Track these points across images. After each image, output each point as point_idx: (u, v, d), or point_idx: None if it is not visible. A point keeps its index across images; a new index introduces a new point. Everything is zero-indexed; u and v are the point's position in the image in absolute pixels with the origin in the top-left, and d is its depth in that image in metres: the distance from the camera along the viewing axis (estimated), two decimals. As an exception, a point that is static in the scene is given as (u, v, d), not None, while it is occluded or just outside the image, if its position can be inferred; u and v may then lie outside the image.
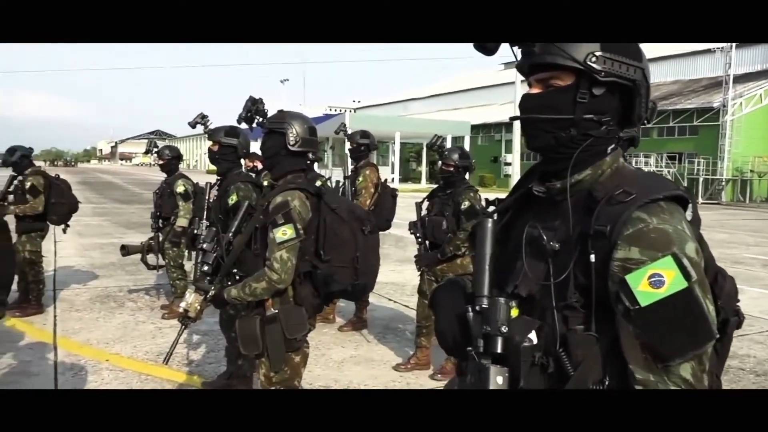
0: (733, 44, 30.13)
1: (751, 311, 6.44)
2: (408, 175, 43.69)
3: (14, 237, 4.39)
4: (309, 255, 2.54)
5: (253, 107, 2.98)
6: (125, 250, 6.14)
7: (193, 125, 4.56)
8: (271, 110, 2.92)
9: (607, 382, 1.14)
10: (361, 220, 2.67)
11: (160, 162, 6.31)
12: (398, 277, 8.18)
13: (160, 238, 6.14)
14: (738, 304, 1.33)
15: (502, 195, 1.49)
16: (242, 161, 4.38)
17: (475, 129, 42.03)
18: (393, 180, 30.19)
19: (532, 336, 1.18)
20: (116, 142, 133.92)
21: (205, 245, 2.82)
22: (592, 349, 1.15)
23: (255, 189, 3.93)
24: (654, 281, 1.07)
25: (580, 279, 1.17)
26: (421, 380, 4.52)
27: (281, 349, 2.55)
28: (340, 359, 4.92)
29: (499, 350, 1.14)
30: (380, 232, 3.28)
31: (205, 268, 2.76)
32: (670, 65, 40.31)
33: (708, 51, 36.45)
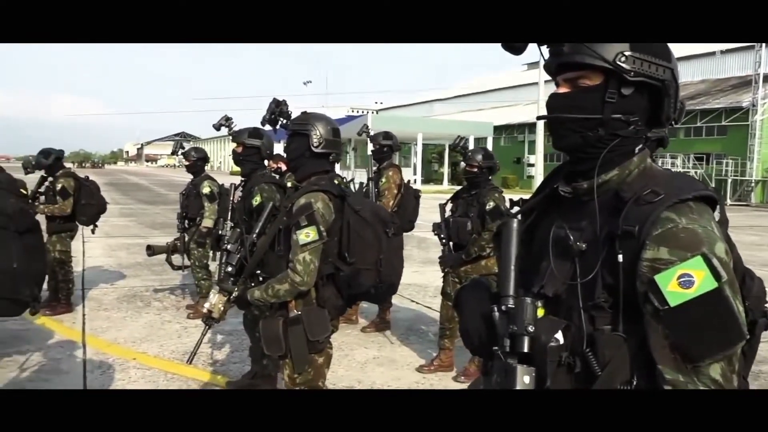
0: (763, 43, 29.50)
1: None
2: (430, 177, 43.60)
3: (45, 237, 4.48)
4: (332, 257, 2.55)
5: (277, 109, 3.01)
6: (151, 250, 6.24)
7: (217, 127, 4.62)
8: (294, 112, 2.94)
9: (635, 383, 1.14)
10: (384, 221, 2.67)
11: (186, 163, 6.41)
12: (421, 279, 8.17)
13: (186, 239, 6.23)
14: (766, 305, 1.31)
15: (526, 196, 1.49)
16: (266, 162, 4.42)
17: (498, 130, 41.81)
18: (415, 181, 30.19)
19: (559, 336, 1.18)
20: (142, 144, 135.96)
21: (229, 246, 2.84)
22: (620, 349, 1.15)
23: (279, 190, 3.96)
24: (683, 281, 1.06)
25: (608, 279, 1.16)
26: (445, 382, 4.50)
27: (304, 351, 2.56)
28: (364, 360, 4.93)
29: (525, 350, 1.15)
30: (403, 234, 3.29)
31: (229, 269, 2.78)
32: (697, 64, 39.65)
33: (737, 50, 35.77)
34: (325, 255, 2.52)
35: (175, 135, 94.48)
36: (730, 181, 31.75)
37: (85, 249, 9.75)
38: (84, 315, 6.05)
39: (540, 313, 1.20)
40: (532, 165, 35.84)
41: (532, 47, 1.31)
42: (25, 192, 5.14)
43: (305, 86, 53.39)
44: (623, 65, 1.18)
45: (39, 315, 5.58)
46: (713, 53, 39.06)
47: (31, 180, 5.69)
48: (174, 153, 6.83)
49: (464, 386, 4.28)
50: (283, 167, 6.02)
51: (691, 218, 1.10)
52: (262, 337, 2.63)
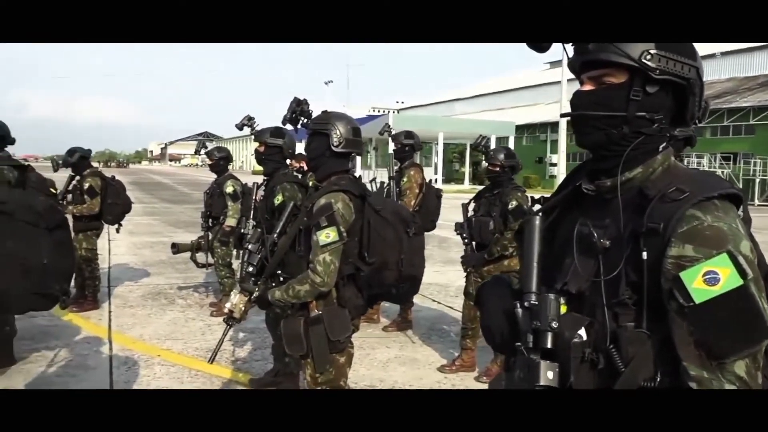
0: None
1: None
2: (451, 176, 43.47)
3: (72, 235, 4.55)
4: (352, 257, 2.54)
5: (298, 108, 3.01)
6: (176, 248, 6.32)
7: (240, 127, 4.66)
8: (315, 111, 2.95)
9: (658, 379, 1.14)
10: (405, 221, 2.66)
11: (210, 162, 6.47)
12: (442, 278, 8.15)
13: (210, 237, 6.29)
14: None
15: (547, 194, 1.49)
16: (288, 162, 4.44)
17: (520, 129, 41.50)
18: (436, 181, 30.09)
19: (582, 332, 1.19)
20: (166, 144, 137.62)
21: (250, 246, 2.84)
22: (643, 345, 1.15)
23: (301, 189, 3.98)
24: (709, 278, 1.07)
25: (632, 276, 1.17)
26: (466, 382, 4.49)
27: (325, 351, 2.56)
28: (385, 359, 4.94)
29: (549, 345, 1.16)
30: (424, 233, 3.28)
31: (250, 269, 2.78)
32: (724, 62, 38.95)
33: (765, 47, 35.06)
34: (345, 255, 2.51)
35: (198, 134, 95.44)
36: (758, 180, 31.13)
37: (110, 247, 9.91)
38: (110, 312, 6.15)
39: (563, 309, 1.21)
40: (555, 164, 35.52)
41: (555, 45, 1.31)
42: (54, 191, 5.26)
43: (326, 86, 53.53)
44: (649, 63, 1.18)
45: (67, 311, 5.70)
46: (741, 51, 38.32)
47: (59, 179, 5.81)
48: (197, 152, 6.91)
49: (486, 386, 4.27)
50: (305, 166, 6.06)
51: (716, 216, 1.10)
52: (283, 337, 2.64)
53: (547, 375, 1.14)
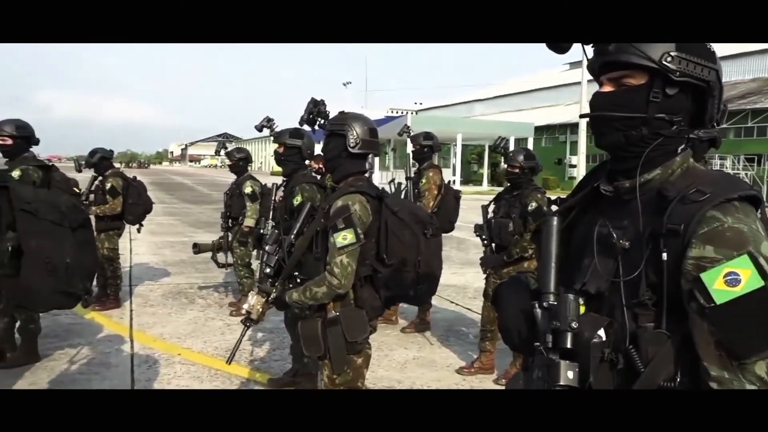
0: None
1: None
2: (469, 177, 43.30)
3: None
4: (370, 259, 2.54)
5: (315, 109, 3.01)
6: (197, 248, 6.38)
7: (259, 128, 4.69)
8: (333, 112, 2.95)
9: (678, 380, 1.15)
10: (422, 222, 2.65)
11: (229, 163, 6.52)
12: (461, 280, 8.13)
13: (229, 238, 6.34)
14: None
15: (563, 195, 1.49)
16: (307, 162, 4.46)
17: (539, 130, 41.22)
18: (454, 182, 29.96)
19: (601, 333, 1.20)
20: (186, 145, 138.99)
21: (267, 247, 2.84)
22: (663, 346, 1.16)
23: (320, 190, 3.99)
24: (729, 279, 1.08)
25: (652, 277, 1.18)
26: (485, 384, 4.47)
27: (343, 352, 2.56)
28: (403, 361, 4.93)
29: (568, 345, 1.17)
30: (442, 234, 3.26)
31: (267, 270, 2.78)
32: (748, 62, 38.31)
33: (791, 46, 34.45)
34: (362, 257, 2.51)
35: (218, 136, 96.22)
36: (782, 182, 30.56)
37: (132, 247, 10.03)
38: (131, 310, 6.22)
39: (581, 310, 1.22)
40: (574, 166, 35.19)
41: (575, 46, 1.31)
42: (77, 190, 5.34)
43: (345, 87, 53.65)
44: (669, 65, 1.19)
45: (89, 310, 5.79)
46: (765, 51, 37.65)
47: (83, 180, 5.90)
48: (217, 153, 6.97)
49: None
50: (324, 167, 6.07)
51: (737, 217, 1.11)
52: (301, 338, 2.64)
53: (568, 375, 1.15)
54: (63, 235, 2.45)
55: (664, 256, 1.14)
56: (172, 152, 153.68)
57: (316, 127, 3.12)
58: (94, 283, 4.86)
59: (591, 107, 1.30)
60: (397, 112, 50.50)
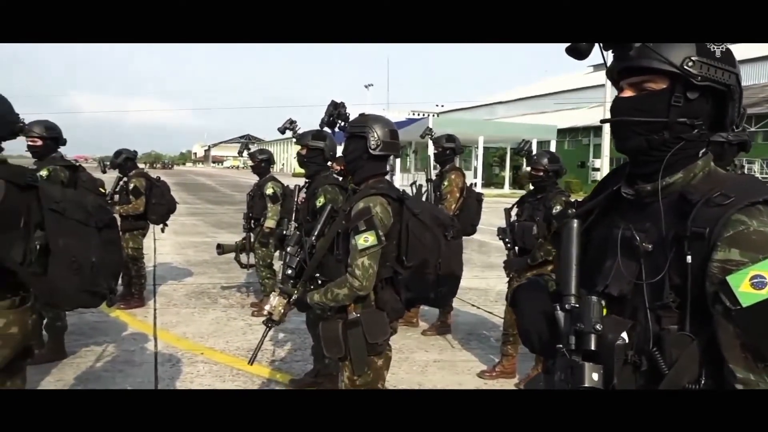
0: None
1: None
2: (491, 180, 43.00)
3: (121, 234, 4.67)
4: (390, 261, 2.54)
5: (335, 111, 3.02)
6: (221, 248, 6.44)
7: (282, 131, 4.72)
8: (354, 115, 2.95)
9: (702, 381, 1.16)
10: (443, 225, 2.63)
11: (252, 164, 6.57)
12: (481, 283, 8.08)
13: (252, 239, 6.39)
14: None
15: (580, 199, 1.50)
16: (330, 164, 4.47)
17: (562, 133, 40.78)
18: (475, 185, 29.79)
19: (623, 335, 1.21)
20: (209, 146, 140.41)
21: (289, 248, 2.84)
22: (687, 348, 1.17)
23: (342, 192, 4.00)
24: (756, 282, 1.08)
25: (675, 280, 1.18)
26: (506, 388, 4.43)
27: (363, 353, 2.56)
28: (424, 363, 4.91)
29: (592, 347, 1.18)
30: (464, 237, 3.24)
31: (289, 271, 2.79)
32: (778, 64, 37.50)
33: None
34: (383, 258, 2.51)
35: (241, 137, 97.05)
36: (813, 187, 29.84)
37: (156, 246, 10.15)
38: (155, 309, 6.30)
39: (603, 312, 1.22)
40: (597, 169, 34.79)
41: (596, 51, 1.32)
42: (103, 191, 5.42)
43: (367, 89, 53.75)
44: (691, 70, 1.20)
45: (114, 308, 5.87)
46: (796, 52, 36.85)
47: (109, 181, 6.00)
48: (240, 154, 7.04)
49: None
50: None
51: (762, 221, 1.12)
52: (322, 339, 2.65)
53: (593, 377, 1.16)
54: (89, 234, 2.47)
55: (689, 258, 1.15)
56: (195, 153, 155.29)
57: (337, 130, 3.13)
58: (119, 282, 4.93)
59: (612, 112, 1.31)
60: (418, 115, 50.42)
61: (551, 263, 4.28)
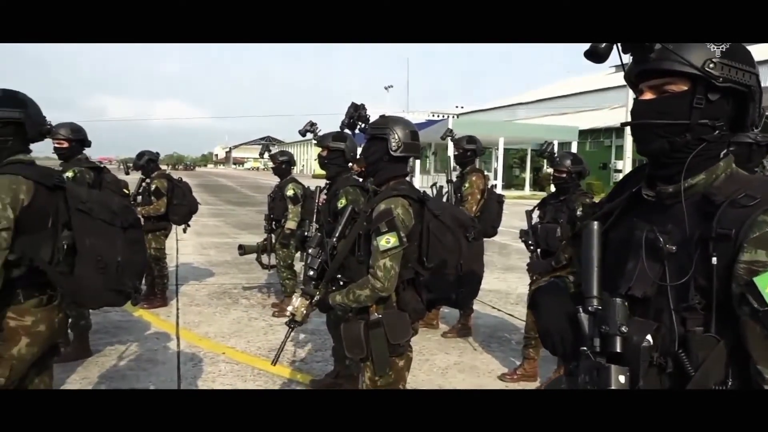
0: None
1: None
2: (511, 182, 42.75)
3: (144, 234, 4.73)
4: (412, 262, 2.54)
5: (356, 113, 3.02)
6: (243, 249, 6.49)
7: (303, 133, 4.74)
8: (374, 116, 2.95)
9: (729, 383, 1.15)
10: (465, 226, 2.63)
11: (273, 166, 6.61)
12: (503, 285, 8.03)
13: (273, 240, 6.42)
14: None
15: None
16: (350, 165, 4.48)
17: (584, 134, 40.38)
18: (495, 186, 29.56)
19: (648, 337, 1.20)
20: (230, 148, 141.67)
21: (310, 250, 2.85)
22: (713, 350, 1.16)
23: (363, 193, 4.00)
24: None
25: (701, 281, 1.18)
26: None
27: (385, 354, 2.56)
28: (445, 366, 4.89)
29: (618, 350, 1.17)
30: (484, 239, 3.22)
31: (311, 272, 2.79)
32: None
33: None
34: (405, 260, 2.51)
35: (261, 139, 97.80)
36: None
37: (178, 247, 10.26)
38: (178, 309, 6.37)
39: None
40: (619, 171, 34.37)
41: (614, 52, 1.32)
42: (126, 192, 5.50)
43: (386, 91, 53.81)
44: (712, 71, 1.20)
45: (138, 307, 5.95)
46: (825, 51, 36.12)
47: (132, 182, 6.08)
48: (261, 156, 7.09)
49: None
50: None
51: None
52: (343, 340, 2.65)
53: (619, 379, 1.15)
54: (115, 234, 2.51)
55: (714, 260, 1.15)
56: (216, 155, 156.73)
57: (357, 131, 3.13)
58: (143, 282, 4.99)
59: (633, 115, 1.32)
60: (438, 116, 50.32)
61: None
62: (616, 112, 39.22)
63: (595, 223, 1.29)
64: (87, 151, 5.04)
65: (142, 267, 2.80)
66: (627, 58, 1.31)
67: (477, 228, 2.71)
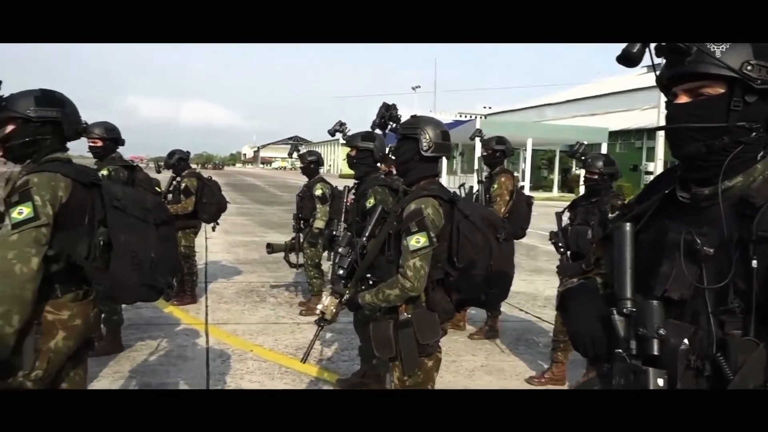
0: None
1: None
2: (539, 183, 42.33)
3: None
4: (441, 262, 2.54)
5: (387, 113, 3.02)
6: (271, 248, 6.54)
7: (332, 133, 4.77)
8: (403, 117, 2.95)
9: None
10: (495, 226, 2.62)
11: (301, 165, 6.66)
12: (529, 287, 7.96)
13: (301, 239, 6.46)
14: None
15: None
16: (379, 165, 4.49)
17: (614, 135, 39.78)
18: (523, 188, 29.25)
19: (685, 339, 1.20)
20: (258, 147, 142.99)
21: (340, 249, 2.86)
22: (753, 353, 1.15)
23: (391, 193, 4.00)
24: None
25: (739, 284, 1.17)
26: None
27: (414, 354, 2.56)
28: (471, 367, 4.87)
29: (655, 352, 1.16)
30: (514, 240, 3.20)
31: (340, 271, 2.80)
32: None
33: None
34: (434, 260, 2.51)
35: (289, 138, 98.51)
36: None
37: (207, 245, 10.38)
38: (207, 306, 6.45)
39: None
40: (650, 173, 33.79)
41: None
42: (158, 190, 5.59)
43: (414, 91, 53.75)
44: (750, 74, 1.20)
45: (168, 304, 6.05)
46: None
47: (163, 180, 6.18)
48: (290, 155, 7.14)
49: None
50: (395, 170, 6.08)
51: None
52: (372, 339, 2.66)
53: (658, 382, 1.14)
54: (148, 231, 2.55)
55: (754, 263, 1.14)
56: (244, 154, 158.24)
57: (388, 131, 3.14)
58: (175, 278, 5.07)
59: (668, 119, 1.30)
60: (465, 116, 50.07)
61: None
62: (647, 113, 38.57)
63: (628, 224, 1.28)
64: (119, 150, 5.14)
65: (175, 263, 2.84)
66: (657, 61, 1.30)
67: (507, 228, 2.70)
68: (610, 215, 4.10)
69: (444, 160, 2.79)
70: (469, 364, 4.95)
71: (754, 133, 1.24)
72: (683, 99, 1.28)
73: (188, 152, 7.00)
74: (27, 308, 2.17)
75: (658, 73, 1.33)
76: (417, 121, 2.71)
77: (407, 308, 2.57)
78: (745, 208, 1.20)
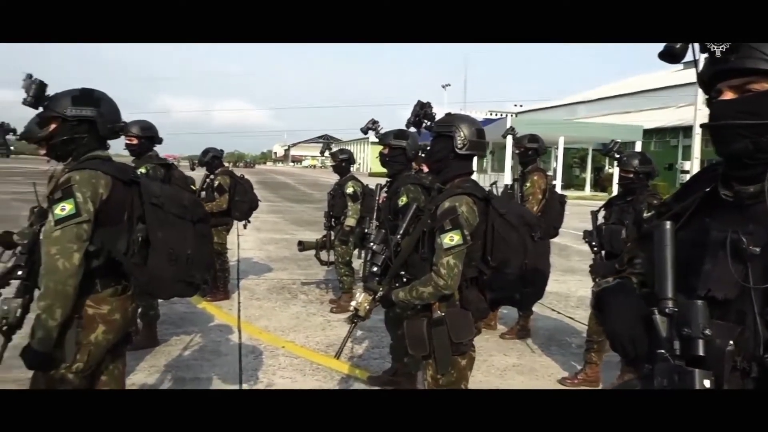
0: None
1: None
2: (571, 182, 41.74)
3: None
4: (476, 260, 2.52)
5: (421, 111, 3.02)
6: (302, 245, 6.59)
7: (365, 131, 4.78)
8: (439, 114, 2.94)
9: None
10: (530, 225, 2.59)
11: (333, 164, 6.69)
12: (562, 288, 7.86)
13: (332, 236, 6.50)
14: None
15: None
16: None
17: (648, 134, 38.96)
18: (554, 186, 28.89)
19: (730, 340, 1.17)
20: (289, 146, 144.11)
21: (374, 246, 2.86)
22: None
23: (424, 191, 3.99)
24: None
25: None
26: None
27: (448, 352, 2.55)
28: (503, 367, 4.83)
29: (700, 353, 1.13)
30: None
31: (374, 269, 2.80)
32: None
33: None
34: (469, 258, 2.50)
35: (319, 137, 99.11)
36: None
37: (239, 242, 10.51)
38: (239, 303, 6.53)
39: None
40: (686, 171, 33.02)
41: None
42: (193, 187, 5.68)
43: (444, 89, 53.52)
44: None
45: (202, 300, 6.14)
46: None
47: (197, 178, 6.27)
48: (322, 153, 7.19)
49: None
50: (425, 168, 6.07)
51: None
52: (406, 337, 2.66)
53: (704, 383, 1.11)
54: (185, 227, 2.59)
55: None
56: (275, 153, 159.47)
57: (423, 129, 3.13)
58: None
59: (714, 116, 1.28)
60: (496, 115, 49.66)
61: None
62: (683, 110, 37.70)
63: (668, 222, 1.25)
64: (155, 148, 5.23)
65: (210, 260, 2.88)
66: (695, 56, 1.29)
67: (542, 227, 2.67)
68: (645, 214, 4.02)
69: (474, 159, 2.77)
70: (501, 363, 4.91)
71: None
72: (729, 95, 1.25)
73: (222, 150, 7.09)
74: (69, 302, 2.23)
75: (700, 69, 1.30)
76: (452, 119, 2.71)
77: (441, 306, 2.56)
78: None
